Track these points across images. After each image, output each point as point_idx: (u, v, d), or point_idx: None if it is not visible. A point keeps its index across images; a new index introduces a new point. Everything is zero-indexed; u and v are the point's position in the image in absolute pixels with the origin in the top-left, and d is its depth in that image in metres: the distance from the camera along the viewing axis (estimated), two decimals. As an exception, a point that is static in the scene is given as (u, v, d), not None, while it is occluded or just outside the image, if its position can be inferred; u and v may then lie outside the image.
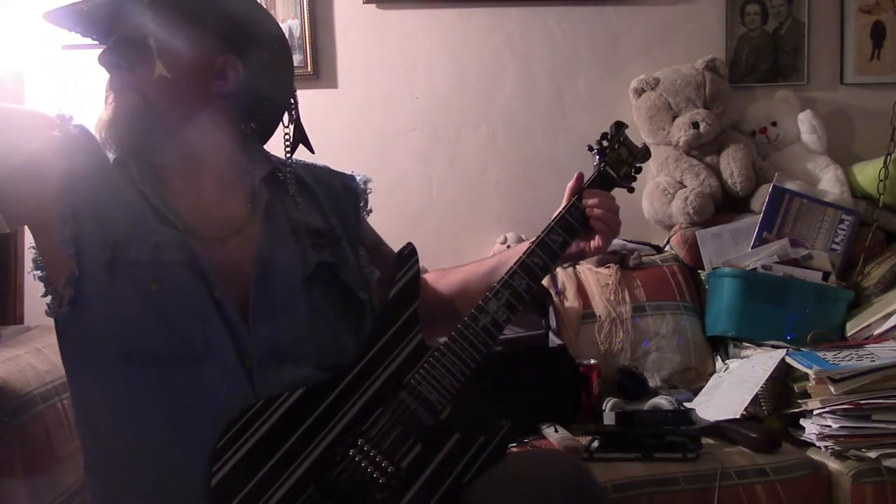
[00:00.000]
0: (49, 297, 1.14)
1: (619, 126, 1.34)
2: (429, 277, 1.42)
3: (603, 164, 1.31)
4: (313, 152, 1.33)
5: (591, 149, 1.32)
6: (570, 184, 1.30)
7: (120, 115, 1.17)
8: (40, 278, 1.15)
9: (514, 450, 1.19)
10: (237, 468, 1.02)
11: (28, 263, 1.17)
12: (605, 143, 1.32)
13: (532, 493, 1.04)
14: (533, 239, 1.26)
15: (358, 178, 1.38)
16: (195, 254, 1.12)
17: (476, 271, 1.38)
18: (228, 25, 1.21)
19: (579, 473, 1.09)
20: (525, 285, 1.20)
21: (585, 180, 1.30)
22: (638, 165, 1.35)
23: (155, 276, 1.10)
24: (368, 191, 1.37)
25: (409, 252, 1.22)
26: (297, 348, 1.15)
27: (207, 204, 1.20)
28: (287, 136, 1.30)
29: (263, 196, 1.22)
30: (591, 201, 1.27)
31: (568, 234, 1.25)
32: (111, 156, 1.18)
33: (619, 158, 1.32)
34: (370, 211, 1.37)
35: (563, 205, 1.28)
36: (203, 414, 1.06)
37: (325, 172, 1.37)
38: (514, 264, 1.22)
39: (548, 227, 1.25)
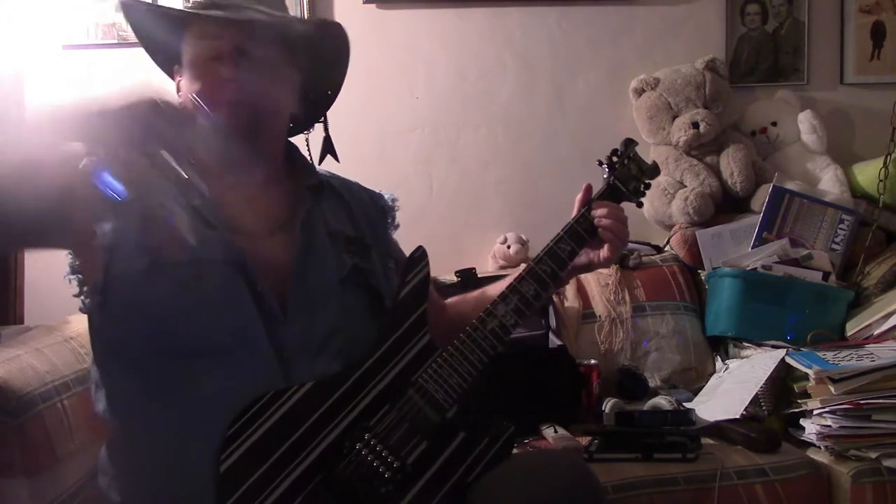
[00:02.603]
0: (82, 296, 1.15)
1: (629, 143, 1.40)
2: (448, 302, 1.46)
3: (612, 177, 1.37)
4: (339, 161, 1.37)
5: (600, 163, 1.38)
6: (580, 195, 1.35)
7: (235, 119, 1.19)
8: (75, 281, 1.16)
9: (515, 450, 1.21)
10: (245, 456, 1.03)
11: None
12: (614, 159, 1.37)
13: (534, 492, 1.05)
14: (543, 248, 1.29)
15: (386, 196, 1.44)
16: (237, 249, 1.15)
17: (494, 289, 1.40)
18: (319, 63, 1.32)
19: (581, 473, 1.10)
20: (533, 291, 1.24)
21: (595, 193, 1.35)
22: (647, 181, 1.40)
23: (197, 270, 1.12)
24: (396, 208, 1.43)
25: (420, 255, 1.25)
26: (331, 343, 1.18)
27: (253, 202, 1.24)
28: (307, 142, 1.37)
29: (307, 200, 1.27)
30: (599, 212, 1.31)
31: (576, 243, 1.30)
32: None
33: (628, 173, 1.38)
34: (398, 226, 1.43)
35: (573, 215, 1.32)
36: (239, 405, 1.06)
37: (358, 188, 1.42)
38: (524, 271, 1.26)
39: (557, 236, 1.30)
